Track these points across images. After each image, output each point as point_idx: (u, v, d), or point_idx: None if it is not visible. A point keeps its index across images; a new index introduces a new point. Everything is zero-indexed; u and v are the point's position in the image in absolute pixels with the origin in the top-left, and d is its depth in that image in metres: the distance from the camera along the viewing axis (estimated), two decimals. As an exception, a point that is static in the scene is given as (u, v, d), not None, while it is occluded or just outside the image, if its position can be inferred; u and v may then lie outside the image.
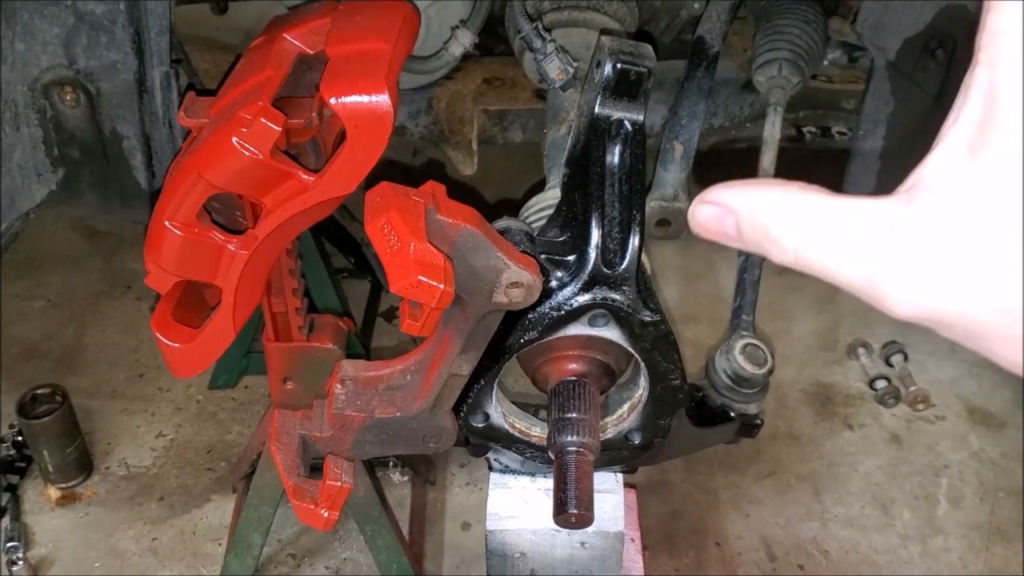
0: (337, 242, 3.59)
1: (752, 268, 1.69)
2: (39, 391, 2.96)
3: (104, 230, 4.09)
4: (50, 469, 3.01)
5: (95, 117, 1.81)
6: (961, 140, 0.56)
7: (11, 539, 2.83)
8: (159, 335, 1.58)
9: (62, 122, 1.82)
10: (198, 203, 1.41)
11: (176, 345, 1.59)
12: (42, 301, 3.82)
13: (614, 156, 1.29)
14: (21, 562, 2.76)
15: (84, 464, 3.10)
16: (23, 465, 3.10)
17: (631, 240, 1.27)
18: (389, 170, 2.11)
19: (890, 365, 3.54)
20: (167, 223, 1.44)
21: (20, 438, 3.08)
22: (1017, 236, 0.51)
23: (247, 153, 1.33)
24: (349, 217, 3.47)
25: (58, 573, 2.84)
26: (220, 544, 2.89)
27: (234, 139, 1.33)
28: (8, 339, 3.55)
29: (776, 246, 0.60)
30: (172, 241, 1.45)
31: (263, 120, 1.31)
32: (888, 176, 1.97)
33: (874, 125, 1.91)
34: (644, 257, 1.34)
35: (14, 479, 3.06)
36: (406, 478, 3.12)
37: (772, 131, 1.84)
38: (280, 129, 1.31)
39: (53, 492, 3.03)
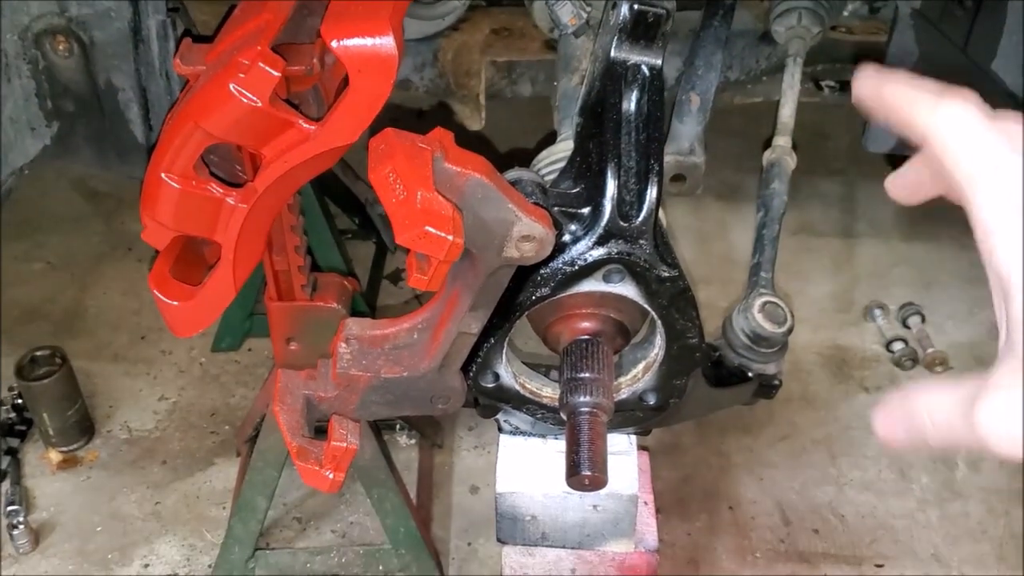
0: (341, 202, 3.53)
1: (771, 224, 1.63)
2: (38, 353, 2.92)
3: (105, 191, 4.03)
4: (51, 432, 2.97)
5: (89, 68, 1.75)
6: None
7: (12, 503, 2.80)
8: (157, 293, 1.53)
9: (55, 73, 1.76)
10: (195, 154, 1.36)
11: (175, 303, 1.54)
12: (42, 263, 3.77)
13: (631, 103, 1.23)
14: (22, 526, 2.72)
15: (85, 427, 3.06)
16: (23, 428, 3.07)
17: (649, 191, 1.22)
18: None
19: (907, 327, 3.48)
20: (163, 175, 1.38)
21: (20, 401, 3.05)
22: None
23: (245, 100, 1.27)
24: (353, 176, 3.41)
25: (60, 537, 2.81)
26: (224, 508, 2.85)
27: (231, 86, 1.27)
28: (7, 302, 3.50)
29: (924, 429, 0.71)
30: (169, 194, 1.39)
31: (261, 65, 1.25)
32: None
33: (896, 77, 1.84)
34: (660, 211, 1.29)
35: (14, 443, 3.03)
36: (413, 441, 3.08)
37: (791, 82, 1.78)
38: (279, 74, 1.25)
39: (54, 456, 3.00)
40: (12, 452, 3.00)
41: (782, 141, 1.74)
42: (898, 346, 3.39)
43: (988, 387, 0.65)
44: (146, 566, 2.74)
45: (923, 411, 0.71)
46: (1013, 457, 0.64)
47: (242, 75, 1.26)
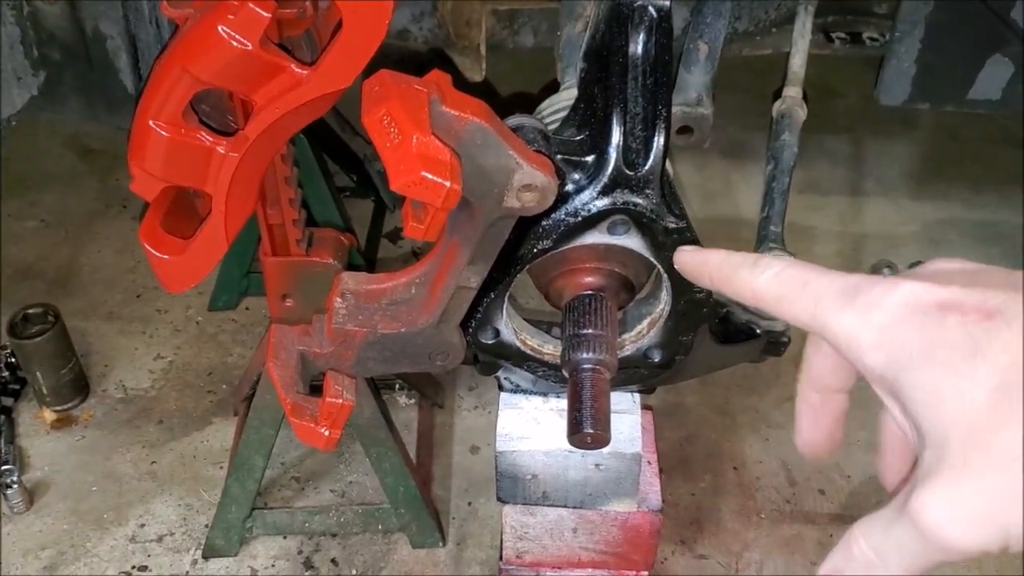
0: (339, 159, 3.48)
1: (781, 176, 1.59)
2: (30, 311, 2.88)
3: (99, 148, 3.98)
4: (44, 391, 2.94)
5: (75, 14, 1.70)
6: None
7: (5, 462, 2.77)
8: (148, 246, 1.48)
9: (41, 20, 1.71)
10: (183, 100, 1.30)
11: (166, 257, 1.50)
12: (35, 221, 3.72)
13: (637, 46, 1.18)
14: (16, 486, 2.70)
15: (80, 386, 3.03)
16: (17, 387, 3.03)
17: (656, 139, 1.17)
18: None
19: (915, 285, 3.41)
20: (151, 123, 1.33)
21: (13, 360, 3.01)
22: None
23: (235, 43, 1.22)
24: (351, 132, 3.36)
25: (54, 497, 2.78)
26: (221, 467, 2.83)
27: (220, 28, 1.21)
28: (1, 260, 3.46)
29: (872, 567, 0.70)
30: (157, 142, 1.34)
31: (251, 6, 1.20)
32: (925, 82, 1.86)
33: (911, 26, 1.79)
34: (668, 161, 1.24)
35: (8, 401, 3.00)
36: (413, 401, 3.05)
37: (802, 31, 1.73)
38: (269, 16, 1.20)
39: (48, 415, 2.97)
40: (6, 411, 2.96)
41: (792, 92, 1.69)
42: None
43: (921, 481, 0.63)
44: (142, 526, 2.71)
45: (863, 550, 0.69)
46: (971, 553, 0.64)
47: (231, 16, 1.21)
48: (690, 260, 0.91)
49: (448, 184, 0.95)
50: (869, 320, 0.66)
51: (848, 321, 0.68)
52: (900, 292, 0.66)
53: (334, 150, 3.36)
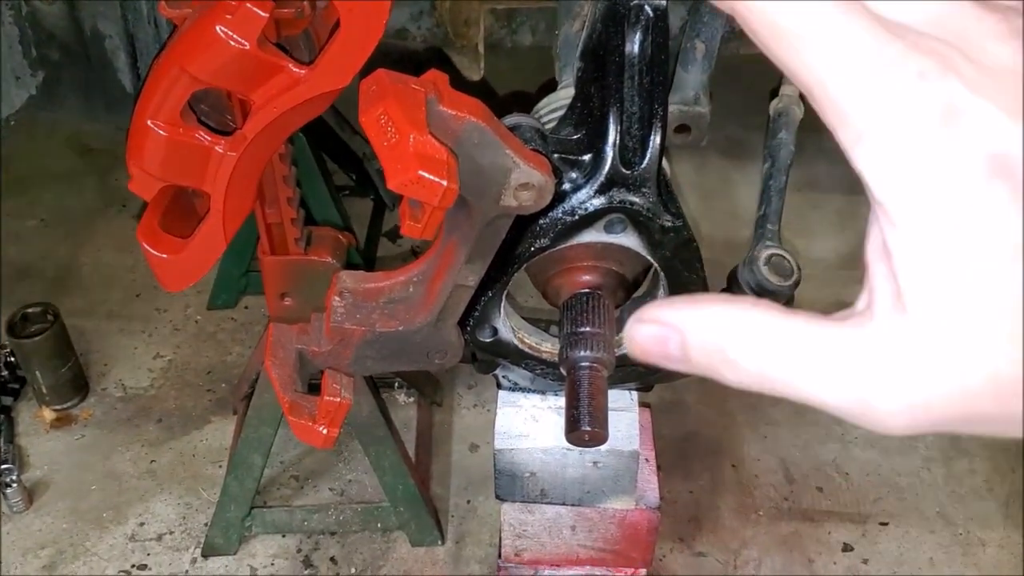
0: (338, 158, 3.48)
1: (778, 175, 1.59)
2: (29, 310, 2.88)
3: (98, 147, 3.98)
4: (44, 390, 2.94)
5: (74, 14, 1.71)
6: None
7: (5, 462, 2.77)
8: (146, 245, 1.49)
9: (39, 19, 1.72)
10: (182, 100, 1.31)
11: (164, 256, 1.50)
12: (35, 220, 3.72)
13: (634, 45, 1.18)
14: (15, 485, 2.70)
15: (79, 385, 3.03)
16: (16, 387, 3.03)
17: (652, 137, 1.17)
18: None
19: (913, 283, 3.41)
20: (149, 122, 1.33)
21: (12, 359, 3.01)
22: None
23: (232, 43, 1.22)
24: (350, 131, 3.36)
25: (54, 496, 2.79)
26: (220, 466, 2.83)
27: (218, 27, 1.22)
28: (0, 259, 3.46)
29: (734, 368, 0.55)
30: (156, 142, 1.35)
31: (249, 6, 1.20)
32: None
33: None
34: (664, 160, 1.24)
35: (7, 401, 3.00)
36: (412, 399, 3.05)
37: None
38: (267, 15, 1.21)
39: (48, 414, 2.97)
40: (5, 410, 2.97)
41: (790, 90, 1.69)
42: None
43: (885, 349, 0.52)
44: (141, 524, 2.72)
45: (744, 348, 0.55)
46: (898, 435, 0.53)
47: (229, 16, 1.22)
48: None
49: (445, 183, 0.95)
50: (899, 131, 0.49)
51: (874, 123, 0.49)
52: (950, 112, 0.47)
53: (333, 149, 3.36)
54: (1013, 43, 0.49)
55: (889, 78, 0.48)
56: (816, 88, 0.50)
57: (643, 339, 0.58)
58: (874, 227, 0.55)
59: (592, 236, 1.24)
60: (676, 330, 0.57)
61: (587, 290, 1.30)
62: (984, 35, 0.49)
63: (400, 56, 2.32)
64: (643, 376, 1.50)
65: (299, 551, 2.66)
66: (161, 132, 1.33)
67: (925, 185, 0.49)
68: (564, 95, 1.47)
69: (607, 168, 1.17)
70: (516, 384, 1.55)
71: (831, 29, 0.49)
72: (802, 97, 1.71)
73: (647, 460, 1.67)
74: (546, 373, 1.48)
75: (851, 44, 0.49)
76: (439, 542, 2.67)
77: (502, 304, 1.36)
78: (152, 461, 2.89)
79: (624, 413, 1.55)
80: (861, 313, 0.55)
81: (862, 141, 0.50)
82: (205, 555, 2.64)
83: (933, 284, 0.50)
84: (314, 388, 1.33)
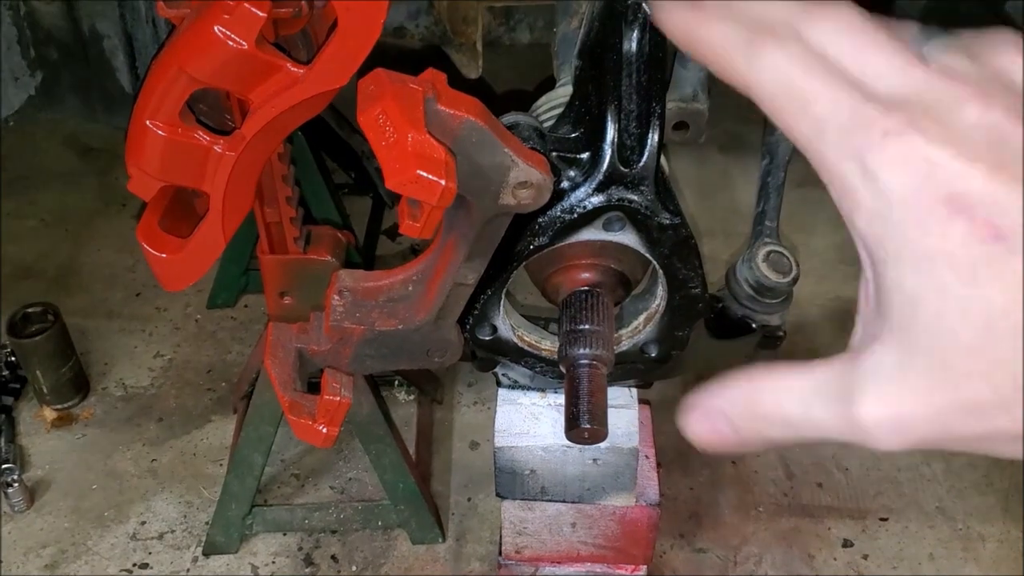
0: (338, 157, 3.48)
1: (776, 171, 1.59)
2: (30, 310, 2.88)
3: (98, 146, 3.97)
4: (45, 390, 2.94)
5: (72, 14, 1.71)
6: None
7: (6, 461, 2.77)
8: (145, 245, 1.49)
9: (37, 19, 1.72)
10: (180, 100, 1.31)
11: (163, 255, 1.50)
12: (35, 220, 3.73)
13: (631, 43, 1.18)
14: (17, 484, 2.70)
15: (80, 385, 3.03)
16: (17, 386, 3.04)
17: (650, 135, 1.17)
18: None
19: (913, 278, 3.41)
20: (148, 122, 1.33)
21: (13, 359, 3.01)
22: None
23: (230, 43, 1.22)
24: (349, 130, 3.36)
25: (55, 495, 2.79)
26: (221, 465, 2.83)
27: (216, 28, 1.22)
28: (0, 259, 3.46)
29: (779, 428, 0.64)
30: (154, 142, 1.35)
31: (246, 6, 1.20)
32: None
33: (905, 18, 1.78)
34: (662, 157, 1.24)
35: (8, 400, 3.00)
36: (412, 397, 3.06)
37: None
38: (265, 15, 1.20)
39: (49, 413, 2.97)
40: (6, 410, 2.97)
41: (787, 86, 1.69)
42: None
43: (865, 373, 0.58)
44: (143, 523, 2.72)
45: (770, 403, 0.62)
46: (893, 450, 0.59)
47: (227, 16, 1.22)
48: (678, 24, 0.64)
49: (443, 182, 0.95)
50: (870, 185, 0.56)
51: (847, 175, 0.57)
52: (913, 164, 0.54)
53: (332, 147, 3.37)
54: (980, 103, 0.54)
55: (858, 139, 0.56)
56: (806, 151, 0.60)
57: (699, 435, 0.66)
58: (862, 275, 0.62)
59: (591, 234, 1.24)
60: (721, 417, 0.65)
61: (586, 288, 1.30)
62: (954, 100, 0.55)
63: (398, 54, 2.32)
64: (643, 373, 1.50)
65: (300, 549, 2.67)
66: (160, 132, 1.33)
67: (890, 228, 0.56)
68: (562, 93, 1.47)
69: (605, 166, 1.17)
70: (516, 382, 1.55)
71: (816, 103, 0.57)
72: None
73: (647, 457, 1.67)
74: (546, 371, 1.48)
75: (828, 111, 0.57)
76: (440, 540, 2.67)
77: (501, 302, 1.36)
78: (153, 460, 2.90)
79: (624, 410, 1.56)
80: (851, 348, 0.62)
81: (842, 200, 0.58)
82: (206, 554, 2.64)
83: (901, 317, 0.56)
84: (314, 387, 1.33)
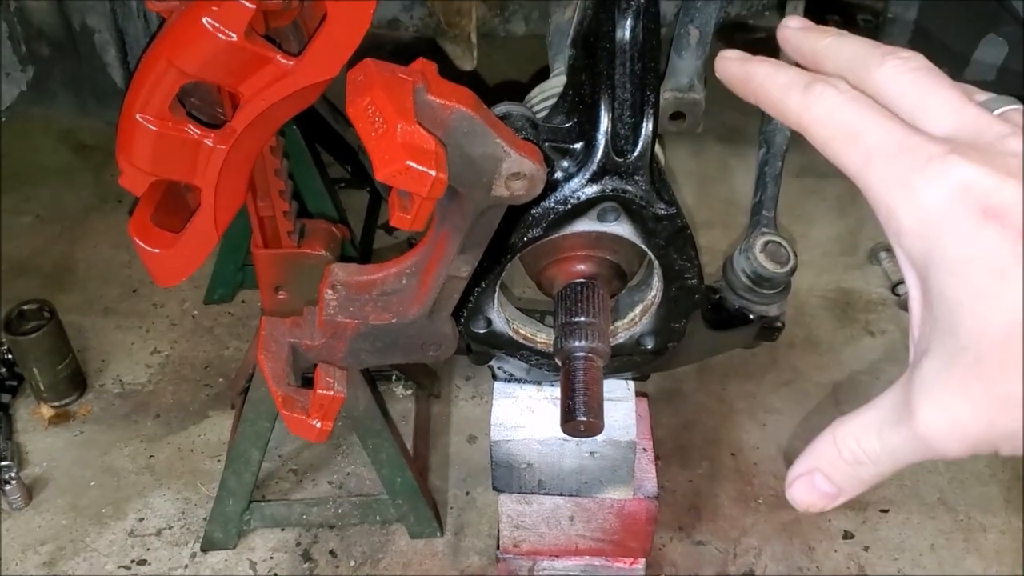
0: (334, 151, 3.46)
1: (773, 161, 1.58)
2: (26, 307, 2.87)
3: (93, 143, 3.96)
4: (42, 387, 2.93)
5: (63, 9, 1.69)
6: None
7: (3, 459, 2.76)
8: (137, 240, 1.48)
9: (28, 15, 1.70)
10: (170, 93, 1.30)
11: (156, 251, 1.49)
12: (30, 217, 3.71)
13: (625, 31, 1.17)
14: (14, 481, 2.69)
15: (77, 382, 3.02)
16: (14, 384, 3.02)
17: (644, 125, 1.17)
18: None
19: (913, 269, 3.40)
20: (138, 116, 1.32)
21: (9, 356, 3.00)
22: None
23: (220, 35, 1.21)
24: (345, 123, 3.34)
25: (53, 492, 2.77)
26: (219, 461, 2.82)
27: (205, 20, 1.21)
28: (-4, 256, 3.46)
29: (869, 470, 0.69)
30: (144, 136, 1.34)
31: (236, -3, 1.19)
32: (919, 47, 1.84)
33: (905, 7, 1.78)
34: (657, 147, 1.23)
35: (5, 398, 2.98)
36: (409, 391, 3.04)
37: (794, 13, 1.71)
38: (254, 7, 1.20)
39: (46, 411, 2.96)
40: (3, 408, 2.95)
41: (784, 75, 1.67)
42: (904, 289, 3.28)
43: (917, 386, 0.63)
44: (140, 520, 2.71)
45: (852, 446, 0.68)
46: (961, 457, 0.63)
47: (215, 8, 1.21)
48: (734, 72, 0.79)
49: (434, 173, 0.94)
50: (912, 204, 0.62)
51: (892, 197, 0.63)
52: (951, 181, 0.60)
53: (328, 141, 3.35)
54: (1017, 138, 0.61)
55: (903, 164, 0.62)
56: (855, 179, 0.66)
57: (803, 500, 0.72)
58: (910, 302, 0.68)
59: (585, 225, 1.23)
60: (813, 473, 0.71)
61: (581, 280, 1.29)
62: (998, 136, 0.62)
63: (393, 47, 2.31)
64: (639, 365, 1.49)
65: (298, 545, 2.66)
66: (150, 126, 1.32)
67: (931, 241, 0.61)
68: (556, 83, 1.46)
69: (599, 156, 1.16)
70: (512, 375, 1.54)
71: (867, 135, 0.65)
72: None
73: (645, 450, 1.66)
74: (541, 364, 1.47)
75: (878, 142, 0.64)
76: (438, 534, 2.66)
77: (496, 295, 1.35)
78: (150, 456, 2.88)
79: (621, 403, 1.55)
80: (907, 370, 0.67)
81: (888, 223, 0.64)
82: (204, 550, 2.63)
83: (945, 323, 0.61)
84: (309, 382, 1.32)
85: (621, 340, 1.41)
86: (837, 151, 0.66)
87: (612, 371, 1.50)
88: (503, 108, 1.18)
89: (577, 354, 1.22)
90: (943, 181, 0.60)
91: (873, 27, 2.10)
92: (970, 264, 0.59)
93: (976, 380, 0.59)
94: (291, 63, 1.27)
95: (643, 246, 1.25)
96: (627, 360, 1.45)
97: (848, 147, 0.66)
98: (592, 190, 1.19)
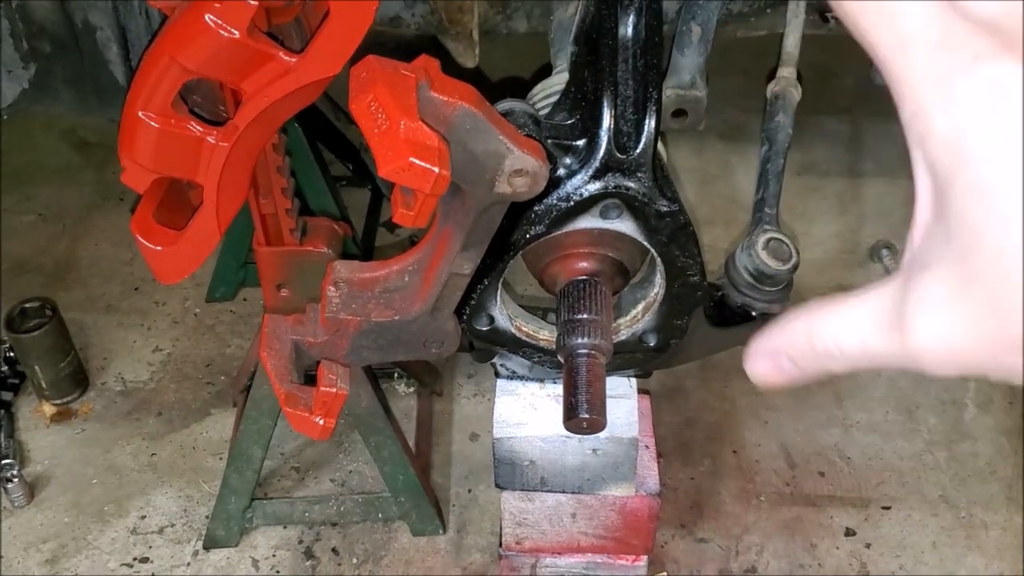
0: (335, 148, 3.46)
1: (775, 158, 1.57)
2: (28, 305, 2.87)
3: (95, 141, 3.97)
4: (43, 385, 2.93)
5: (65, 6, 1.69)
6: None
7: (6, 457, 2.76)
8: (140, 238, 1.48)
9: (30, 12, 1.70)
10: (172, 90, 1.30)
11: (158, 248, 1.49)
12: (32, 215, 3.71)
13: (627, 28, 1.17)
14: (16, 479, 2.69)
15: (79, 380, 3.02)
16: (16, 382, 3.02)
17: (647, 121, 1.16)
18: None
19: (914, 266, 3.39)
20: (140, 113, 1.32)
21: (11, 354, 3.00)
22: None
23: (222, 32, 1.21)
24: (347, 121, 3.34)
25: (55, 490, 2.78)
26: (221, 458, 2.82)
27: (207, 16, 1.21)
28: (-1, 254, 3.46)
29: (835, 359, 0.65)
30: (147, 133, 1.34)
31: (238, -6, 1.19)
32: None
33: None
34: (660, 144, 1.23)
35: (7, 396, 2.99)
36: (412, 389, 3.04)
37: (796, 11, 1.71)
38: (256, 4, 1.19)
39: (48, 408, 2.96)
40: (5, 406, 2.96)
41: (786, 72, 1.67)
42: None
43: (918, 300, 0.58)
44: (143, 518, 2.71)
45: (828, 337, 0.63)
46: (946, 376, 0.59)
47: (218, 5, 1.20)
48: None
49: (437, 170, 0.94)
50: (949, 111, 0.54)
51: (926, 97, 0.55)
52: (1000, 94, 0.52)
53: (330, 139, 3.35)
54: None
55: (946, 60, 0.54)
56: (884, 66, 0.57)
57: (764, 375, 0.68)
58: (916, 200, 0.61)
59: (588, 222, 1.23)
60: (780, 356, 0.67)
61: (584, 277, 1.29)
62: None
63: (395, 44, 2.30)
64: (642, 363, 1.49)
65: (300, 542, 2.66)
66: (152, 124, 1.32)
67: (963, 157, 0.54)
68: (558, 80, 1.46)
69: (602, 153, 1.16)
70: (514, 372, 1.54)
71: (906, 17, 0.55)
72: (800, 79, 1.70)
73: (647, 447, 1.66)
74: (544, 361, 1.47)
75: (918, 27, 0.55)
76: (440, 531, 2.66)
77: (498, 292, 1.35)
78: (152, 454, 2.89)
79: (623, 400, 1.55)
80: (901, 273, 0.61)
81: (913, 122, 0.56)
82: (207, 547, 2.63)
83: (962, 248, 0.55)
84: (312, 379, 1.32)
85: (623, 337, 1.41)
86: (866, 29, 0.57)
87: (614, 368, 1.50)
88: (506, 105, 1.18)
89: (580, 351, 1.22)
90: (990, 90, 0.52)
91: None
92: (1006, 197, 0.52)
93: (988, 318, 0.55)
94: (293, 60, 1.27)
95: (646, 243, 1.25)
96: (629, 357, 1.45)
97: (881, 26, 0.56)
98: (595, 187, 1.18)
